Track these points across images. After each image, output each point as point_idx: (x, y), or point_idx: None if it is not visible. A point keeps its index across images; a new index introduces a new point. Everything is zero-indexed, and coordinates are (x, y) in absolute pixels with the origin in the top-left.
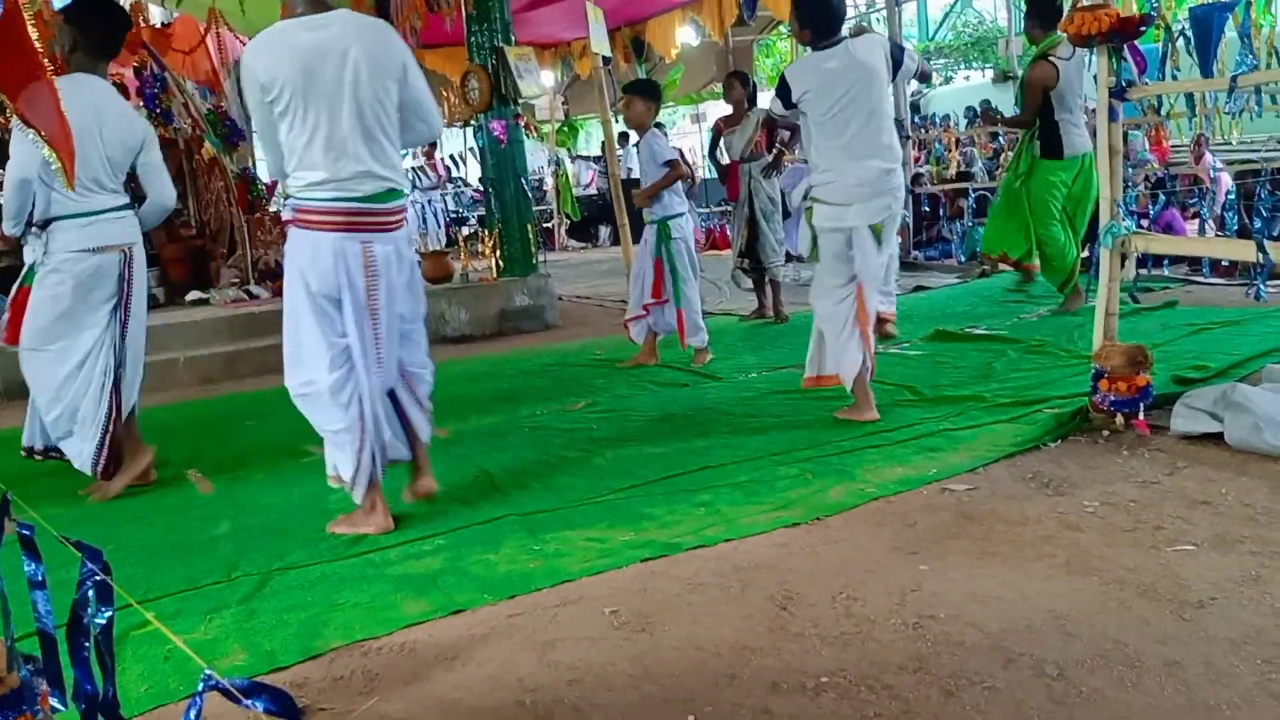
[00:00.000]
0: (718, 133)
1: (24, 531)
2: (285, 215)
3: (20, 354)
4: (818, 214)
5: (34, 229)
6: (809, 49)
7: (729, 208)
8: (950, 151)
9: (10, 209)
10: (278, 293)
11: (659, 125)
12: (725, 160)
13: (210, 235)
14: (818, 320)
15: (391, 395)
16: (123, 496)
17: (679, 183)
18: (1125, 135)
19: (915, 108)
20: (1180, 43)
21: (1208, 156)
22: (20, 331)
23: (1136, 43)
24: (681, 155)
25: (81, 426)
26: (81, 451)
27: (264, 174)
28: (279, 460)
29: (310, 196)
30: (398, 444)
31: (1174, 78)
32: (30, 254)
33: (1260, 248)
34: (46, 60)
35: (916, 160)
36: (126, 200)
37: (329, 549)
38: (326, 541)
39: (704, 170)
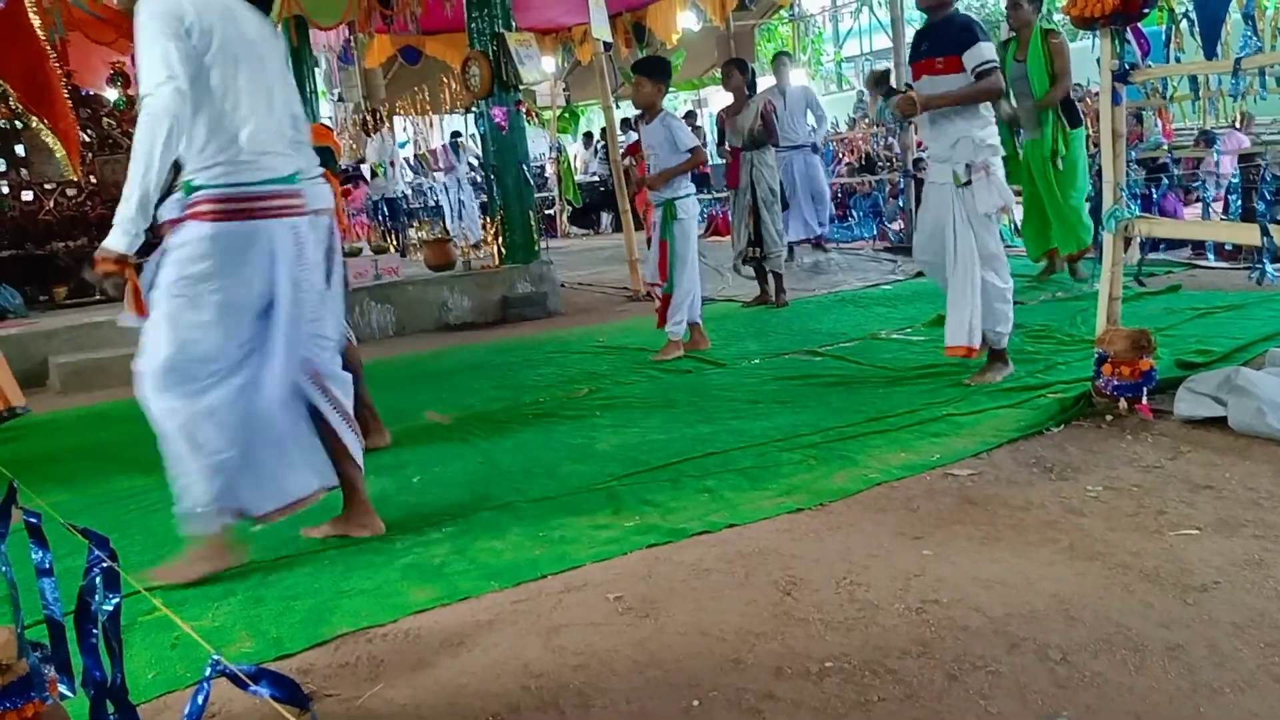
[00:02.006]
0: (721, 123)
1: (31, 519)
2: (176, 211)
3: None
4: (999, 171)
5: None
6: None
7: (729, 195)
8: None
9: None
10: None
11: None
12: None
13: None
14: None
15: (313, 412)
16: (126, 486)
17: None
18: (1139, 116)
19: None
20: (1184, 25)
21: (1241, 138)
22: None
23: (1140, 25)
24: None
25: None
26: None
27: None
28: None
29: (238, 181)
30: (305, 472)
31: (1177, 60)
32: None
33: (1264, 231)
34: (49, 48)
35: (919, 144)
36: None
37: (335, 538)
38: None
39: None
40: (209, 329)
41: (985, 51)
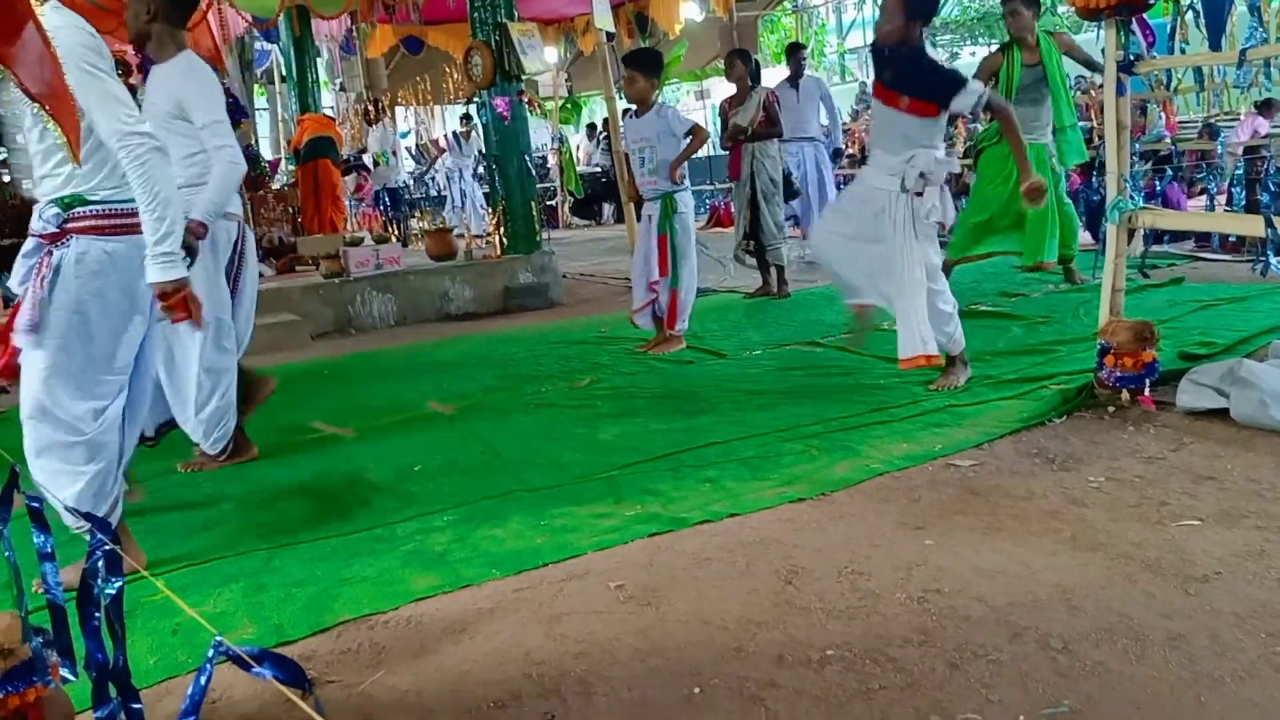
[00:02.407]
0: (724, 114)
1: (33, 504)
2: (52, 226)
3: None
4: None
5: None
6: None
7: (732, 185)
8: (958, 128)
9: None
10: (282, 270)
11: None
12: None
13: None
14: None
15: None
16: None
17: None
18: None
19: None
20: (1189, 16)
21: (1261, 122)
22: None
23: (1145, 16)
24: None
25: None
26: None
27: (266, 152)
28: (285, 437)
29: (120, 197)
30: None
31: (1182, 51)
32: None
33: (1269, 223)
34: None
35: None
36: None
37: (337, 524)
38: (335, 516)
39: (711, 148)
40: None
41: (976, 89)
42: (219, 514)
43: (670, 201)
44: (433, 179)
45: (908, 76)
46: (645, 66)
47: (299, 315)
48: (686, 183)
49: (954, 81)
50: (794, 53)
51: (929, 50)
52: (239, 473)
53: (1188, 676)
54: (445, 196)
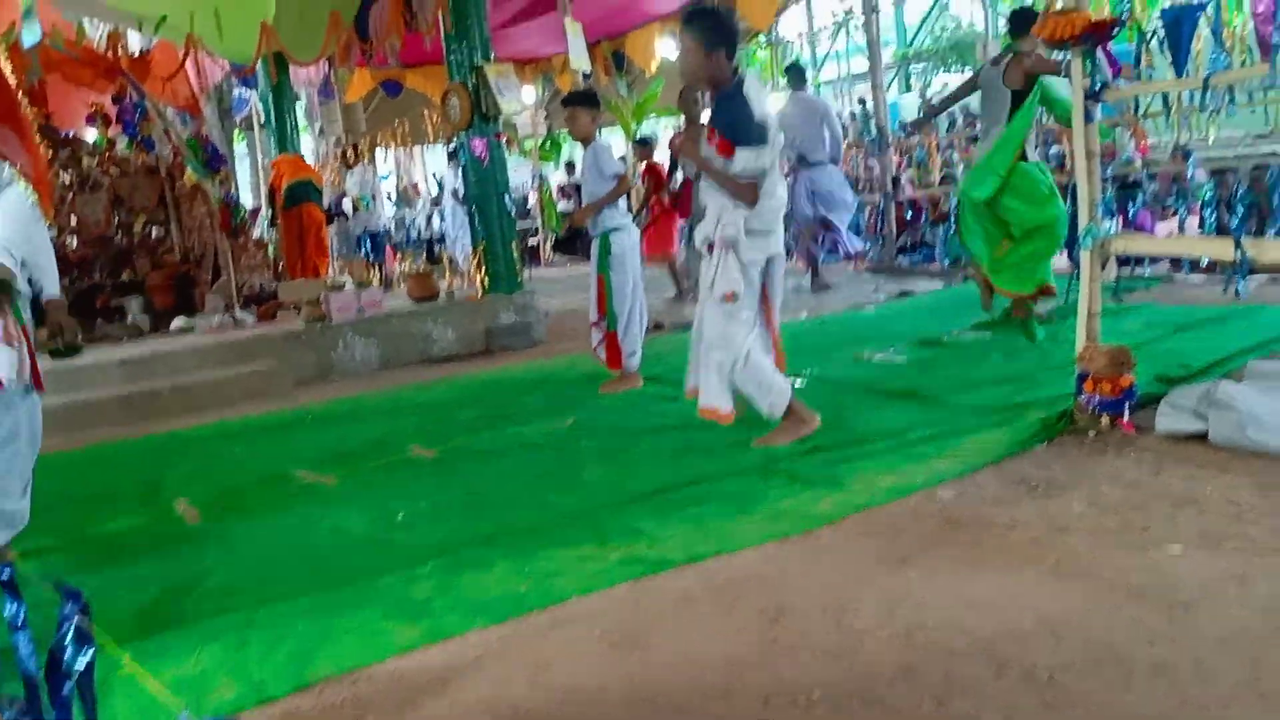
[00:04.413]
0: (675, 151)
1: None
2: None
3: None
4: (752, 246)
5: None
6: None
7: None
8: (932, 156)
9: None
10: (263, 317)
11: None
12: (681, 178)
13: (194, 261)
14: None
15: None
16: (107, 532)
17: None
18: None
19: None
20: (1154, 43)
21: None
22: None
23: (1110, 45)
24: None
25: None
26: None
27: (246, 198)
28: (268, 487)
29: None
30: None
31: (1149, 78)
32: None
33: (1238, 245)
34: (20, 93)
35: (899, 165)
36: None
37: (319, 577)
38: (317, 568)
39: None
40: None
41: (744, 160)
42: (200, 569)
43: (605, 241)
44: (414, 221)
45: (727, 119)
46: (586, 103)
47: (280, 362)
48: (625, 220)
49: (743, 137)
50: (792, 71)
51: (750, 90)
52: (220, 525)
53: (1173, 704)
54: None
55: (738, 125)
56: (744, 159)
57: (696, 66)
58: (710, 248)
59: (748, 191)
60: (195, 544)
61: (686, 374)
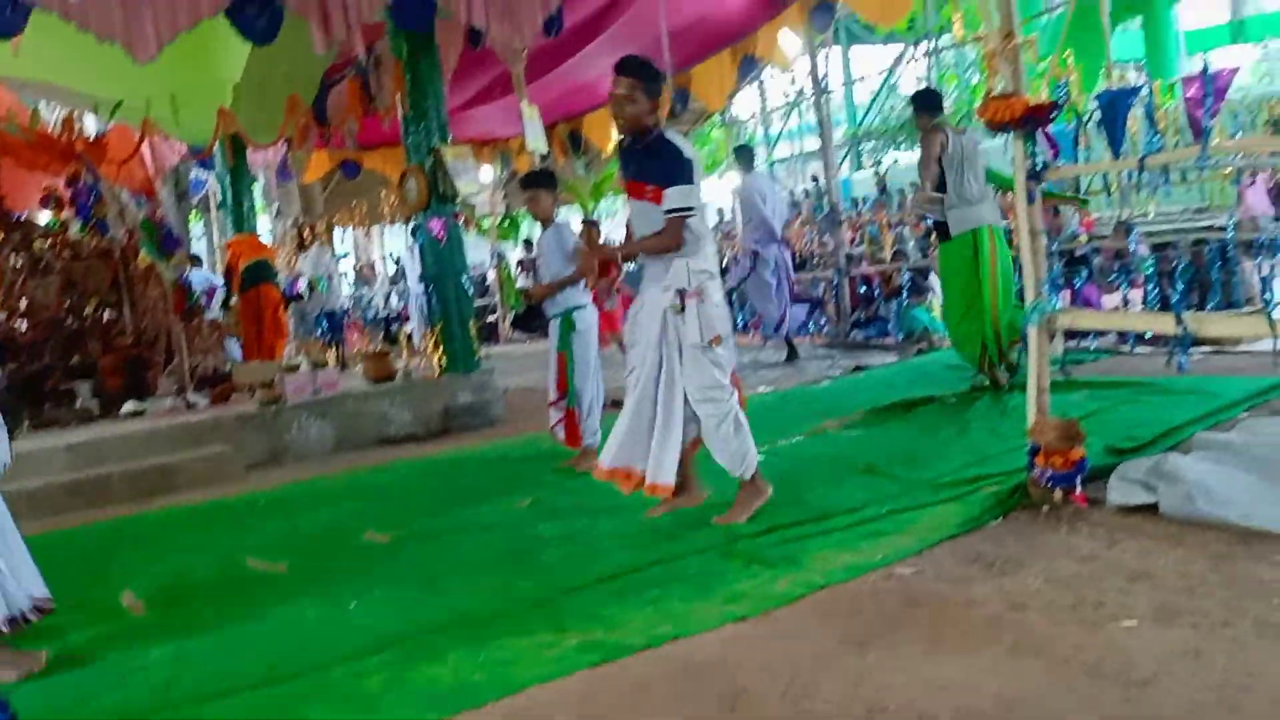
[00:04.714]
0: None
1: None
2: None
3: None
4: (715, 288)
5: None
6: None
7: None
8: (884, 232)
9: None
10: (216, 400)
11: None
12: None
13: (147, 344)
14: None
15: None
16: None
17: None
18: (1056, 210)
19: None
20: (1091, 125)
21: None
22: None
23: (1049, 127)
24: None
25: None
26: None
27: (199, 281)
28: (216, 576)
29: None
30: None
31: (1087, 159)
32: None
33: (1178, 320)
34: None
35: (852, 241)
36: None
37: (267, 672)
38: (265, 664)
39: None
40: None
41: (675, 199)
42: (145, 672)
43: (568, 319)
44: (370, 301)
45: (650, 167)
46: (547, 184)
47: (232, 446)
48: (586, 299)
49: (671, 176)
50: (741, 152)
51: (671, 135)
52: (166, 617)
53: None
54: (384, 318)
55: (669, 168)
56: (674, 198)
57: (640, 111)
58: (682, 304)
59: (672, 231)
60: (140, 638)
61: (607, 446)
